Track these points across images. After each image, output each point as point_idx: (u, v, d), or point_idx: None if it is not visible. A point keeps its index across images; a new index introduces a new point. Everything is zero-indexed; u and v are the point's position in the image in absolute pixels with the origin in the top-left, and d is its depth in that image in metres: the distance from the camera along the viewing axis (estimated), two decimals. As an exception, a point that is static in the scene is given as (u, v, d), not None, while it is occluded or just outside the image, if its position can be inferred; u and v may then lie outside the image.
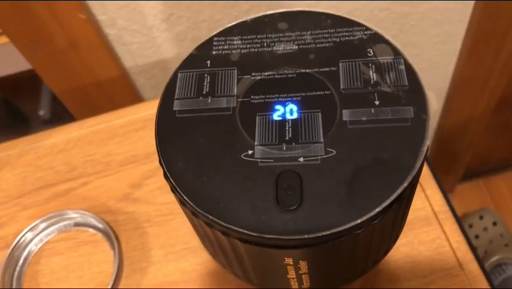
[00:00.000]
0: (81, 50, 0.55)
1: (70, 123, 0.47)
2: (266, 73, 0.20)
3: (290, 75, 0.20)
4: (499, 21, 0.66)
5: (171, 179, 0.18)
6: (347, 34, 0.21)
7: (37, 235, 0.40)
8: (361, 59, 0.20)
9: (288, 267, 0.19)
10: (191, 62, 0.21)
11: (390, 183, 0.17)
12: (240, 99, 0.20)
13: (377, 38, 0.21)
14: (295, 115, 0.19)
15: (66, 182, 0.43)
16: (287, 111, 0.19)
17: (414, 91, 0.19)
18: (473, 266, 0.36)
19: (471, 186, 1.11)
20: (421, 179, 0.38)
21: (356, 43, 0.20)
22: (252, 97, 0.20)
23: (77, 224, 0.41)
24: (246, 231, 0.17)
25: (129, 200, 0.42)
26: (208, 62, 0.21)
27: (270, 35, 0.21)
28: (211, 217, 0.17)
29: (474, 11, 0.65)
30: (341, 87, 0.19)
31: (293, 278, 0.20)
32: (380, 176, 0.17)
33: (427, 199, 0.39)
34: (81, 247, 0.40)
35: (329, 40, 0.21)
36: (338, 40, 0.21)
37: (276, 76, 0.20)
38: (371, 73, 0.20)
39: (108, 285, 0.37)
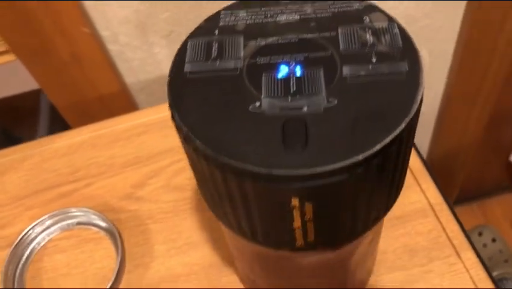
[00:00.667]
0: (84, 64, 0.57)
1: (73, 129, 0.48)
2: (270, 39, 0.22)
3: (293, 40, 0.22)
4: (486, 39, 0.69)
5: (185, 128, 0.19)
6: (344, 5, 0.23)
7: (40, 233, 0.41)
8: (358, 25, 0.22)
9: (294, 211, 0.20)
10: (199, 32, 0.23)
11: (389, 124, 0.18)
12: (247, 61, 0.21)
13: (372, 8, 0.22)
14: (298, 73, 0.21)
15: (69, 184, 0.44)
16: (290, 69, 0.21)
17: (407, 50, 0.21)
18: (469, 254, 0.37)
19: (466, 210, 1.12)
20: (417, 174, 0.39)
21: (353, 12, 0.22)
22: (257, 59, 0.21)
23: (80, 223, 0.42)
24: (256, 168, 0.18)
25: (132, 199, 0.43)
26: (216, 31, 0.23)
27: (273, 8, 0.23)
28: (224, 158, 0.18)
29: (462, 28, 0.68)
30: (341, 48, 0.21)
31: (298, 228, 0.21)
32: (380, 119, 0.19)
33: (423, 193, 0.40)
34: (84, 245, 0.41)
35: (328, 10, 0.23)
36: (336, 10, 0.22)
37: (280, 41, 0.22)
38: (368, 36, 0.21)
39: (110, 280, 0.37)
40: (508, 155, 0.99)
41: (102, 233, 0.41)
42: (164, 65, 0.62)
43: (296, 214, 0.20)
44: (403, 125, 0.18)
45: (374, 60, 0.20)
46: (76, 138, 0.47)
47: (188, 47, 0.22)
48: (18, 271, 0.40)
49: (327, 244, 0.22)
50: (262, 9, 0.23)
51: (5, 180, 0.45)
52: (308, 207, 0.19)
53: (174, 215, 0.41)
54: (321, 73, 0.20)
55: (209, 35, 0.22)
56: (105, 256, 0.40)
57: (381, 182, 0.20)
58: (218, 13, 0.23)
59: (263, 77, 0.21)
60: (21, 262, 0.40)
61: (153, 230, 0.41)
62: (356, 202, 0.20)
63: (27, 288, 0.39)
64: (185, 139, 0.20)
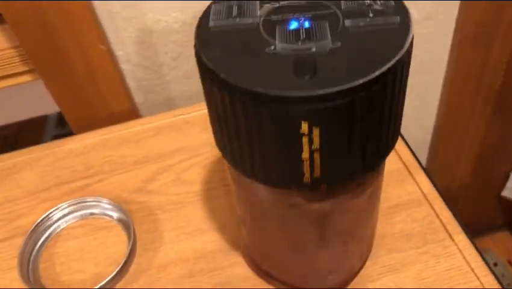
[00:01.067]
0: (98, 80, 0.60)
1: (86, 132, 0.51)
2: (283, 2, 0.26)
3: (302, 3, 0.26)
4: (473, 70, 0.74)
5: (210, 64, 0.23)
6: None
7: (56, 221, 0.43)
8: (357, -5, 0.26)
9: (303, 139, 0.23)
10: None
11: (386, 58, 0.22)
12: (262, 18, 0.25)
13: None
14: (307, 25, 0.24)
15: (83, 179, 0.47)
16: (300, 23, 0.24)
17: (399, 8, 0.24)
18: (462, 237, 0.39)
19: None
20: (411, 168, 0.42)
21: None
22: (272, 16, 0.25)
23: (93, 214, 0.44)
24: (272, 91, 0.21)
25: (143, 192, 0.45)
26: (236, -1, 0.26)
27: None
28: (244, 85, 0.22)
29: (450, 60, 0.73)
30: (343, 8, 0.25)
31: (306, 160, 0.24)
32: (378, 55, 0.22)
33: (417, 184, 0.43)
34: (96, 232, 0.43)
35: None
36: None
37: (290, 4, 0.26)
38: (364, 6, 0.25)
39: (120, 263, 0.39)
40: (500, 190, 1.02)
41: (114, 222, 0.43)
42: (172, 86, 0.66)
43: (305, 142, 0.23)
44: (397, 57, 0.22)
45: (371, 15, 0.24)
46: (89, 140, 0.50)
47: (211, 9, 0.26)
48: (32, 255, 0.41)
49: (332, 181, 0.25)
50: (274, -18, 0.27)
51: (20, 177, 0.48)
52: (316, 133, 0.22)
53: (184, 206, 0.44)
54: (327, 25, 0.24)
55: (229, 0, 0.26)
56: (117, 242, 0.42)
57: (380, 114, 0.23)
58: (236, -12, 0.27)
59: (277, 29, 0.24)
60: (36, 247, 0.42)
61: (163, 219, 0.43)
62: (359, 131, 0.23)
63: (40, 272, 0.40)
64: (211, 76, 0.23)
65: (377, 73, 0.21)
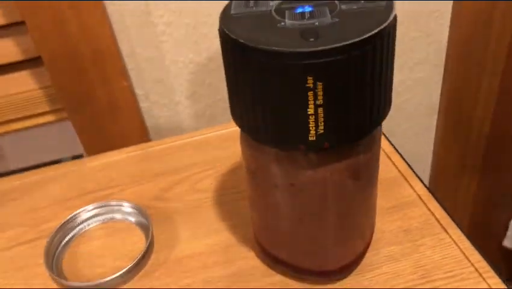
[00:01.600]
0: (119, 116, 0.66)
1: (108, 152, 0.56)
2: (290, -3, 0.32)
3: (306, -2, 0.32)
4: (463, 113, 0.80)
5: (232, 35, 0.28)
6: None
7: (80, 224, 0.47)
8: (350, -11, 0.32)
9: (309, 93, 0.27)
10: (240, -4, 0.33)
11: (375, 26, 0.27)
12: (274, 6, 0.31)
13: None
14: (310, 9, 0.30)
15: (105, 190, 0.51)
16: (305, 8, 0.30)
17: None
18: (456, 231, 0.42)
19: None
20: (406, 175, 0.47)
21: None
22: (282, 6, 0.31)
23: (113, 218, 0.47)
24: (283, 49, 0.26)
25: (160, 199, 0.49)
26: (251, -4, 0.32)
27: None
28: (261, 46, 0.27)
29: (441, 102, 0.79)
30: (339, -1, 0.31)
31: (311, 115, 0.28)
32: (369, 24, 0.27)
33: (412, 188, 0.46)
34: (117, 233, 0.46)
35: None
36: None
37: (296, -1, 0.32)
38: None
39: (138, 256, 0.42)
40: (501, 240, 1.04)
41: (134, 226, 0.47)
42: (185, 125, 0.72)
43: (310, 97, 0.28)
44: (383, 26, 0.27)
45: (362, 1, 0.30)
46: (111, 158, 0.55)
47: (232, 3, 0.32)
48: (57, 253, 0.44)
49: (333, 139, 0.30)
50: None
51: (46, 188, 0.52)
52: (319, 87, 0.27)
53: (198, 210, 0.47)
54: (327, 9, 0.30)
55: (247, -2, 0.32)
56: (136, 241, 0.45)
57: (371, 75, 0.28)
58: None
59: (286, 13, 0.30)
60: (60, 245, 0.45)
61: (179, 221, 0.46)
62: (355, 88, 0.28)
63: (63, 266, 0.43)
64: (232, 46, 0.28)
65: (367, 35, 0.27)
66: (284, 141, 0.30)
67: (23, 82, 0.69)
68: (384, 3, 0.30)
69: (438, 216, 0.44)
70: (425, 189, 0.46)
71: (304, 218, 0.35)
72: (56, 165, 0.54)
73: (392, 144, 0.52)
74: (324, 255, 0.37)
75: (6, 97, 0.68)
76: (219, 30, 0.30)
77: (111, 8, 0.58)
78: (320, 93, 0.28)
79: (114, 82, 0.63)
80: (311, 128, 0.29)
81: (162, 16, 0.61)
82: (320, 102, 0.28)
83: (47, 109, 0.71)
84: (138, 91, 0.67)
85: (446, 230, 0.42)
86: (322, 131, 0.29)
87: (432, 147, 0.87)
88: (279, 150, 0.32)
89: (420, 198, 0.45)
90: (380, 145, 0.35)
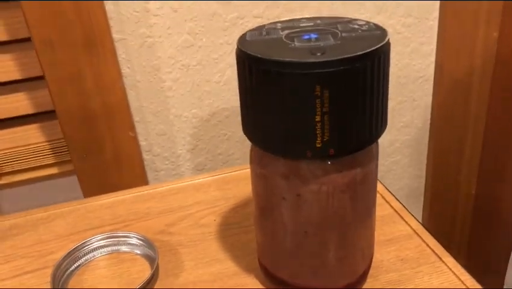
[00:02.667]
0: (122, 166, 0.69)
1: (115, 192, 0.58)
2: (298, 29, 0.36)
3: (311, 28, 0.36)
4: (449, 182, 0.84)
5: (249, 52, 0.32)
6: (338, 19, 0.38)
7: (85, 254, 0.48)
8: (349, 24, 0.36)
9: (316, 101, 0.31)
10: (253, 29, 0.37)
11: (374, 44, 0.32)
12: (284, 35, 0.35)
13: (356, 19, 0.38)
14: (316, 36, 0.34)
15: (111, 225, 0.52)
16: (311, 35, 0.35)
17: (378, 27, 0.35)
18: (450, 259, 0.44)
19: None
20: (400, 213, 0.50)
21: (344, 19, 0.37)
22: (291, 34, 0.35)
23: (119, 250, 0.48)
24: (294, 60, 0.30)
25: (165, 233, 0.50)
26: (264, 28, 0.37)
27: (296, 22, 0.38)
28: (275, 58, 0.31)
29: (428, 166, 0.83)
30: (339, 29, 0.35)
31: (318, 122, 0.32)
32: (367, 45, 0.32)
33: (407, 224, 0.49)
34: (122, 263, 0.47)
35: (328, 21, 0.38)
36: (333, 21, 0.38)
37: (303, 29, 0.36)
38: (355, 26, 0.36)
39: (143, 282, 0.43)
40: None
41: (139, 256, 0.48)
42: (185, 176, 0.74)
43: (318, 104, 0.31)
44: (379, 45, 0.32)
45: (360, 31, 0.35)
46: (117, 197, 0.57)
47: (247, 33, 0.36)
48: (62, 280, 0.45)
49: (337, 145, 0.33)
50: (290, 20, 0.38)
51: (53, 224, 0.53)
52: (326, 95, 0.31)
53: (201, 243, 0.49)
54: (330, 35, 0.34)
55: (260, 29, 0.37)
56: (141, 270, 0.46)
57: (370, 87, 0.32)
58: (263, 25, 0.38)
59: (295, 38, 0.34)
60: (66, 273, 0.46)
61: (183, 253, 0.48)
62: (357, 98, 0.32)
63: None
64: (249, 61, 0.32)
65: (368, 50, 0.31)
66: (292, 148, 0.33)
67: (31, 135, 0.72)
68: (378, 31, 0.34)
69: (432, 247, 0.46)
70: (419, 225, 0.49)
71: (309, 230, 0.37)
72: (61, 203, 0.56)
73: (384, 185, 0.55)
74: (327, 273, 0.39)
75: (12, 149, 0.71)
76: (236, 51, 0.34)
77: (124, 64, 0.63)
78: (327, 101, 0.31)
79: (121, 133, 0.67)
80: (318, 135, 0.32)
81: (171, 72, 0.66)
82: (326, 109, 0.31)
83: (51, 161, 0.74)
84: (142, 143, 0.70)
85: (441, 259, 0.44)
86: (327, 138, 0.32)
87: (421, 212, 0.90)
88: (287, 162, 0.35)
89: (415, 232, 0.48)
90: (377, 163, 0.38)
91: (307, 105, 0.31)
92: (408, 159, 0.82)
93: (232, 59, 0.66)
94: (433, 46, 0.74)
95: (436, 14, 0.71)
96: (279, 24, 0.38)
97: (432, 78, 0.75)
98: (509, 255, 0.89)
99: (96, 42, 0.60)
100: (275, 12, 0.65)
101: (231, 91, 0.69)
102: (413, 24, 0.71)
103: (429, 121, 0.79)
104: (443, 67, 0.74)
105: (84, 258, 0.48)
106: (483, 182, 0.83)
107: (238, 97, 0.70)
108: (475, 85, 0.75)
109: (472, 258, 0.91)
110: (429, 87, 0.76)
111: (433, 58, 0.75)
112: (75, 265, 0.47)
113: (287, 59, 0.31)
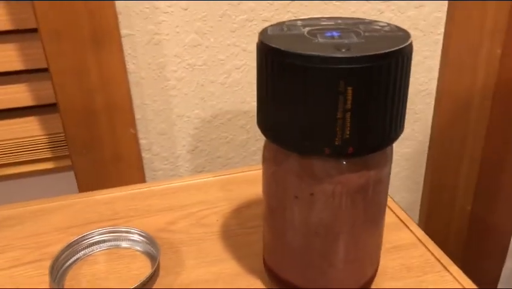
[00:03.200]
0: (120, 163, 0.68)
1: (114, 187, 0.57)
2: (319, 26, 0.36)
3: (333, 26, 0.36)
4: (445, 197, 0.84)
5: (271, 45, 0.32)
6: (357, 20, 0.38)
7: (84, 248, 0.46)
8: (370, 25, 0.36)
9: (340, 97, 0.31)
10: (273, 24, 0.37)
11: (396, 45, 0.31)
12: (306, 31, 0.35)
13: (377, 21, 0.38)
14: (338, 34, 0.34)
15: (110, 221, 0.51)
16: (333, 33, 0.34)
17: (401, 29, 0.35)
18: (455, 268, 0.44)
19: None
20: (405, 221, 0.49)
21: (365, 21, 0.37)
22: (312, 30, 0.35)
23: (118, 246, 0.47)
24: (321, 54, 0.30)
25: (166, 231, 0.49)
26: (284, 24, 0.37)
27: (316, 20, 0.38)
28: (301, 52, 0.31)
29: (425, 180, 0.83)
30: (361, 28, 0.35)
31: (339, 119, 0.31)
32: (391, 44, 0.32)
33: (412, 232, 0.49)
34: (121, 259, 0.46)
35: (349, 21, 0.37)
36: (354, 21, 0.37)
37: (325, 27, 0.36)
38: (377, 26, 0.36)
39: (142, 279, 0.42)
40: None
41: (139, 253, 0.47)
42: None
43: (340, 100, 0.31)
44: (404, 45, 0.31)
45: (382, 31, 0.35)
46: (117, 193, 0.55)
47: (268, 28, 0.36)
48: (59, 273, 0.44)
49: (357, 144, 0.32)
50: (310, 21, 0.38)
51: (51, 217, 0.52)
52: (349, 92, 0.31)
53: (203, 242, 0.48)
54: (352, 33, 0.34)
55: (280, 25, 0.37)
56: (141, 267, 0.45)
57: (393, 87, 0.32)
58: (283, 22, 0.38)
59: (318, 35, 0.34)
60: (64, 267, 0.44)
61: (185, 251, 0.47)
62: (379, 97, 0.31)
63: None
64: (272, 55, 0.32)
65: (393, 49, 0.31)
66: (310, 145, 0.33)
67: (29, 127, 0.70)
68: (401, 33, 0.34)
69: (437, 256, 0.45)
70: (423, 233, 0.48)
71: (320, 231, 0.36)
72: (59, 196, 0.55)
73: (389, 195, 0.55)
74: (334, 276, 0.38)
75: (8, 141, 0.69)
76: (258, 44, 0.34)
77: (129, 60, 0.63)
78: (350, 98, 0.31)
79: (122, 130, 0.66)
80: (338, 132, 0.32)
81: (176, 71, 0.65)
82: (348, 106, 0.31)
83: (48, 156, 0.73)
84: (142, 141, 0.69)
85: (446, 268, 0.44)
86: (348, 136, 0.32)
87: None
88: (301, 160, 0.34)
89: (420, 240, 0.47)
90: (391, 167, 0.38)
91: (329, 101, 0.31)
92: (407, 172, 0.82)
93: (239, 61, 0.66)
94: (437, 61, 0.74)
95: (442, 29, 0.72)
96: (300, 22, 0.38)
97: (434, 92, 0.76)
98: (501, 272, 0.89)
99: (104, 36, 0.59)
100: (285, 17, 0.65)
101: (235, 94, 0.69)
102: (419, 38, 0.72)
103: (429, 135, 0.79)
104: (445, 82, 0.74)
105: (83, 252, 0.46)
106: (479, 199, 0.84)
107: (241, 100, 0.70)
108: (476, 102, 0.76)
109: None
110: (431, 101, 0.77)
111: (436, 73, 0.75)
112: (74, 258, 0.45)
113: (313, 53, 0.30)
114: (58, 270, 0.44)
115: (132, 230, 0.47)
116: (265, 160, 0.38)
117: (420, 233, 0.49)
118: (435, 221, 0.87)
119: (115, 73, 0.62)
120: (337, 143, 0.32)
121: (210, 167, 0.73)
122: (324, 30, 0.35)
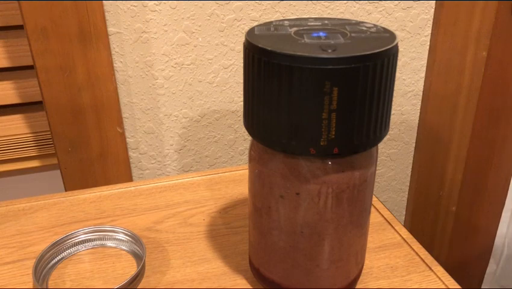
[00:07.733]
0: (107, 162, 0.67)
1: (101, 186, 0.56)
2: (306, 27, 0.36)
3: (320, 27, 0.36)
4: (431, 198, 0.85)
5: (258, 45, 0.32)
6: (344, 21, 0.38)
7: (68, 247, 0.46)
8: (356, 25, 0.37)
9: (325, 98, 0.31)
10: (261, 24, 0.37)
11: (384, 44, 0.32)
12: (293, 31, 0.35)
13: (363, 22, 0.38)
14: (325, 35, 0.34)
15: (96, 220, 0.51)
16: (320, 34, 0.35)
17: (387, 30, 0.35)
18: (439, 268, 0.44)
19: None
20: (390, 221, 0.50)
21: (352, 21, 0.38)
22: (299, 31, 0.35)
23: (104, 245, 0.47)
24: (305, 54, 0.30)
25: (152, 230, 0.49)
26: (272, 24, 0.37)
27: (304, 20, 0.38)
28: (286, 52, 0.31)
29: (411, 180, 0.84)
30: (348, 29, 0.36)
31: (325, 119, 0.32)
32: (377, 45, 0.32)
33: (397, 232, 0.49)
34: (107, 258, 0.46)
35: (336, 22, 0.38)
36: (341, 22, 0.38)
37: (312, 27, 0.36)
38: (363, 27, 0.36)
39: (128, 279, 0.42)
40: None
41: (124, 252, 0.46)
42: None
43: (326, 101, 0.31)
44: (389, 46, 0.32)
45: (368, 32, 0.35)
46: (103, 192, 0.55)
47: (255, 28, 0.36)
48: (43, 273, 0.43)
49: (342, 144, 0.33)
50: (297, 21, 0.38)
51: (35, 216, 0.51)
52: (335, 92, 0.31)
53: (189, 241, 0.48)
54: (339, 34, 0.34)
55: (267, 25, 0.37)
56: (126, 266, 0.45)
57: (378, 89, 0.32)
58: (270, 22, 0.38)
59: (304, 35, 0.34)
60: (48, 266, 0.44)
61: (171, 250, 0.47)
62: (366, 98, 0.31)
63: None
64: (258, 55, 0.32)
65: (378, 50, 0.31)
66: (296, 145, 0.33)
67: (15, 125, 0.70)
68: (387, 34, 0.35)
69: (422, 256, 0.46)
70: (409, 233, 0.49)
71: (305, 230, 0.37)
72: (44, 195, 0.54)
73: (373, 194, 0.55)
74: (319, 276, 0.39)
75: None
76: (245, 44, 0.34)
77: (116, 58, 0.62)
78: (335, 98, 0.31)
79: (109, 129, 0.65)
80: (323, 132, 0.32)
81: (163, 70, 0.65)
82: (334, 106, 0.31)
83: (33, 154, 0.72)
84: (129, 140, 0.69)
85: (430, 268, 0.44)
86: (333, 136, 0.32)
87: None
88: (287, 160, 0.35)
89: (405, 240, 0.48)
90: (376, 168, 0.38)
91: (315, 102, 0.31)
92: (393, 172, 0.82)
93: (227, 61, 0.66)
94: (424, 62, 0.75)
95: (429, 31, 0.73)
96: (287, 22, 0.38)
97: (421, 93, 0.76)
98: (485, 272, 0.90)
99: (91, 34, 0.59)
100: (273, 17, 0.65)
101: (223, 93, 0.69)
102: (406, 39, 0.72)
103: (415, 136, 0.79)
104: (432, 84, 0.75)
105: (68, 251, 0.46)
106: (464, 200, 0.84)
107: (229, 100, 0.70)
108: (462, 103, 0.77)
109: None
110: (417, 102, 0.77)
111: (423, 74, 0.76)
112: (58, 258, 0.45)
113: (299, 54, 0.30)
114: (42, 269, 0.43)
115: (117, 230, 0.47)
116: (251, 160, 0.38)
117: (405, 233, 0.49)
118: (420, 221, 0.87)
119: (103, 71, 0.62)
120: (322, 143, 0.32)
121: (197, 166, 0.73)
122: (311, 30, 0.35)
